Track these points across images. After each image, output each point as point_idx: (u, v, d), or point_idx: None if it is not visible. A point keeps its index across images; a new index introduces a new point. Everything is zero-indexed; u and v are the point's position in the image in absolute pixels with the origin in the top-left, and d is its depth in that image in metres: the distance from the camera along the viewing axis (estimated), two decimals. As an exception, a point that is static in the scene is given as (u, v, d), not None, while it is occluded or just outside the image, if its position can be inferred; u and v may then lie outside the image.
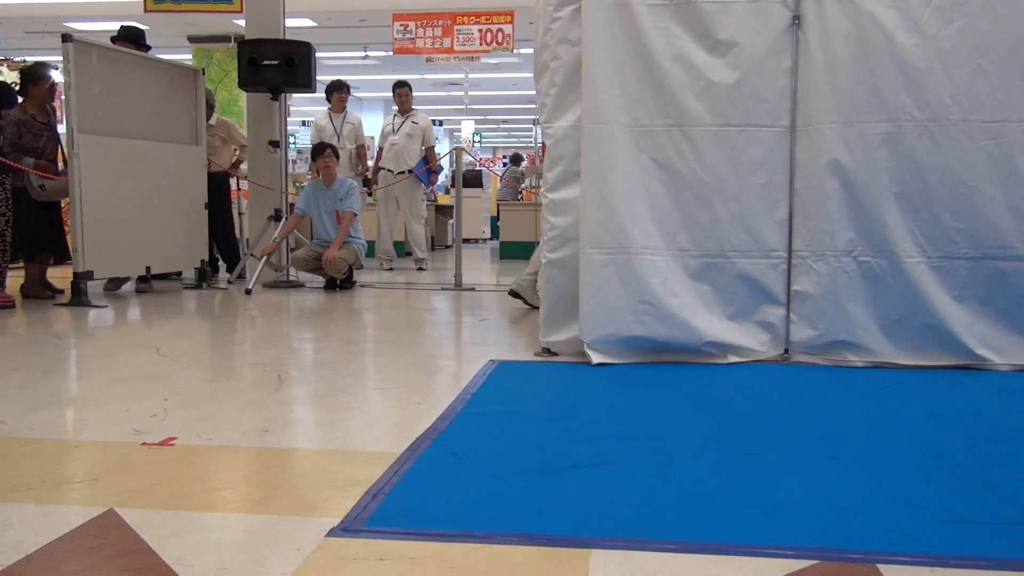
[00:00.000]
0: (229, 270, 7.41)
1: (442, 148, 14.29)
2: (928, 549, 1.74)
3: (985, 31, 3.48)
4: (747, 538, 1.79)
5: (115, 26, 6.79)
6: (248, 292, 6.30)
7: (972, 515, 1.94)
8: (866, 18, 3.52)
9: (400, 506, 1.97)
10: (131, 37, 6.60)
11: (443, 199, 12.96)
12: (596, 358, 3.63)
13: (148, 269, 6.24)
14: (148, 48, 6.71)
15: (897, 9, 3.52)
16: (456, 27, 10.90)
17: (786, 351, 3.73)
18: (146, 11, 8.68)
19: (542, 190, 3.88)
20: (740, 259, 3.69)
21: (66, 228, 6.20)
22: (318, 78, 7.17)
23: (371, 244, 8.08)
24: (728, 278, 3.70)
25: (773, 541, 1.77)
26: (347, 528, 1.83)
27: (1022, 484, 2.14)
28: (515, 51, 11.03)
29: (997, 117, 3.49)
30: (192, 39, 12.72)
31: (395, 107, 8.77)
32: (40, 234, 5.92)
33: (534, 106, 4.03)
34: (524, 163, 15.19)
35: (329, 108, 8.54)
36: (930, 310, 3.55)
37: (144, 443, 2.46)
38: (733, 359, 3.68)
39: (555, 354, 3.85)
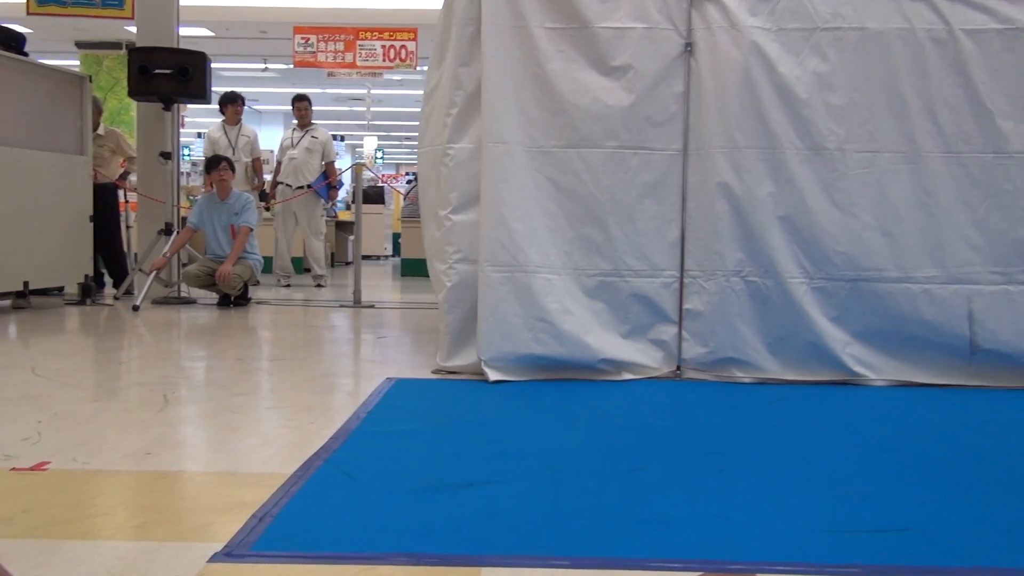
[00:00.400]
0: (116, 285, 7.09)
1: (343, 163, 14.13)
2: (805, 558, 1.81)
3: (858, 67, 3.69)
4: (635, 552, 1.82)
5: (-6, 28, 6.43)
6: (136, 308, 6.05)
7: (847, 524, 2.03)
8: (752, 49, 3.68)
9: (288, 529, 1.92)
10: (5, 40, 6.24)
11: (344, 215, 12.79)
12: (493, 375, 3.64)
13: (26, 284, 5.91)
14: (25, 55, 6.36)
15: (780, 42, 3.70)
16: (359, 42, 10.83)
17: (678, 368, 3.83)
18: (29, 13, 8.28)
19: (444, 212, 3.87)
20: (634, 278, 3.78)
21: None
22: (216, 89, 6.97)
23: (268, 260, 7.90)
24: (622, 297, 3.78)
25: (660, 554, 1.81)
26: (231, 553, 1.77)
27: (893, 494, 2.26)
28: (418, 68, 11.03)
29: (869, 147, 3.70)
30: (80, 44, 12.20)
31: (294, 121, 8.63)
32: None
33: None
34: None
35: (223, 120, 8.33)
36: (811, 329, 3.71)
37: (13, 468, 2.31)
38: (627, 376, 3.75)
39: (454, 372, 3.84)
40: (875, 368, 3.74)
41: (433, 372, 3.87)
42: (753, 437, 2.87)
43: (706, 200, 3.74)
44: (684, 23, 3.75)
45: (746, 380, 3.75)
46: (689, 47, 3.75)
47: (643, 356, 3.78)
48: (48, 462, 2.38)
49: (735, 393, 3.57)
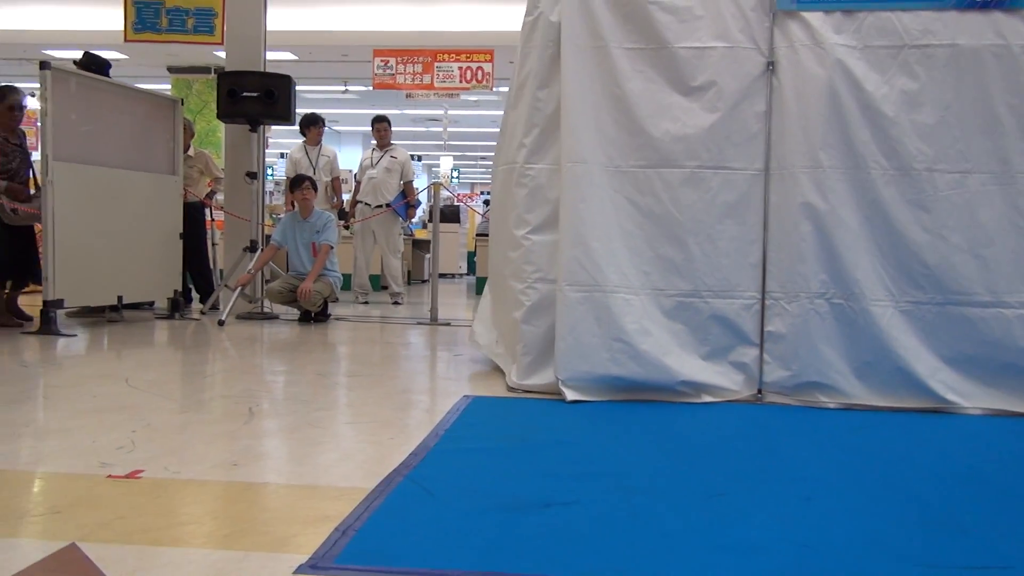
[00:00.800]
0: (202, 301, 7.35)
1: (420, 183, 14.35)
2: (897, 592, 1.75)
3: (949, 85, 3.58)
4: (718, 579, 1.79)
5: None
6: (221, 323, 6.24)
7: (941, 559, 1.95)
8: (837, 67, 3.61)
9: (371, 543, 1.95)
10: (88, 66, 6.52)
11: (420, 233, 12.97)
12: (571, 395, 3.62)
13: (120, 298, 6.17)
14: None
15: (866, 60, 3.62)
16: (436, 64, 11.00)
17: (760, 391, 3.74)
18: (126, 41, 8.64)
19: (523, 232, 3.89)
20: (714, 299, 3.72)
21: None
22: (298, 111, 7.17)
23: (347, 277, 8.06)
24: (702, 318, 3.73)
25: (744, 582, 1.77)
26: (316, 565, 1.80)
27: (991, 528, 2.16)
28: (494, 89, 11.14)
29: (960, 168, 3.58)
30: (172, 69, 12.72)
31: (374, 141, 8.81)
32: (10, 260, 5.83)
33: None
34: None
35: (304, 141, 8.56)
36: (898, 353, 3.58)
37: (110, 475, 2.41)
38: (707, 399, 3.69)
39: (530, 391, 3.84)
40: (968, 396, 3.59)
41: (510, 390, 3.87)
42: (840, 464, 2.79)
43: (789, 221, 3.67)
44: (766, 41, 3.70)
45: (830, 405, 3.64)
46: (771, 65, 3.70)
47: (723, 379, 3.72)
48: (142, 470, 2.47)
49: (819, 418, 3.47)
